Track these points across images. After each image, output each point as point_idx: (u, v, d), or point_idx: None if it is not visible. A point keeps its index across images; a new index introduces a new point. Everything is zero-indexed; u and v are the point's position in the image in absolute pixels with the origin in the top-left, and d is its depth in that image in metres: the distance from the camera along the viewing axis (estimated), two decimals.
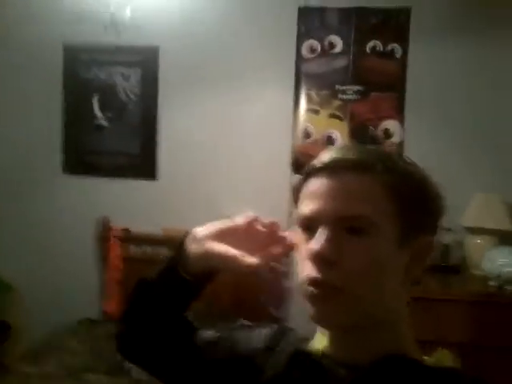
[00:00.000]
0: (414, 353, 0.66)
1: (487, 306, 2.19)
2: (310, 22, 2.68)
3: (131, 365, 2.17)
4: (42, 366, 2.22)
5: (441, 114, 2.64)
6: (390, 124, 2.66)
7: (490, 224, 2.43)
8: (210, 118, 2.81)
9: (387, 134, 2.66)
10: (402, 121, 2.65)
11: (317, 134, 2.70)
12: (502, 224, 2.44)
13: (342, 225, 0.62)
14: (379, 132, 2.66)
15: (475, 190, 2.50)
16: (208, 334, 0.79)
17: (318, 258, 0.61)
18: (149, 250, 2.80)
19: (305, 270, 0.64)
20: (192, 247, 0.71)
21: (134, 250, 2.82)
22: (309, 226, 0.65)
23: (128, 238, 2.79)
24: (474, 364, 2.25)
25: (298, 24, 2.68)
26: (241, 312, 1.85)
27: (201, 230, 0.71)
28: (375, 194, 0.62)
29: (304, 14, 2.67)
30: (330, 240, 0.61)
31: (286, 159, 2.73)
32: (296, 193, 0.69)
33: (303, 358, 0.69)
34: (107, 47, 2.82)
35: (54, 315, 2.62)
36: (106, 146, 2.89)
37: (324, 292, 0.61)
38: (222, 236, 0.69)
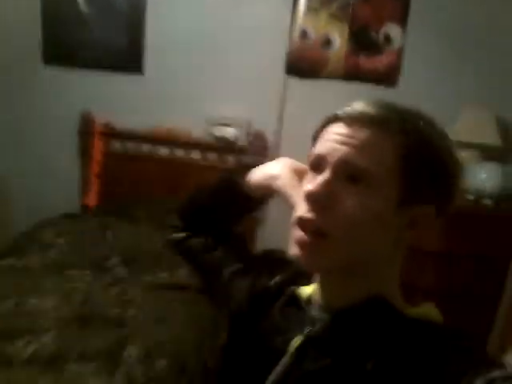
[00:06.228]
0: (398, 303, 0.66)
1: (462, 218, 2.16)
2: None
3: (113, 262, 2.21)
4: (26, 260, 2.18)
5: (445, 20, 2.49)
6: (392, 29, 2.52)
7: (477, 138, 2.39)
8: (202, 10, 2.61)
9: (388, 39, 2.53)
10: (404, 26, 2.51)
11: (315, 34, 2.55)
12: (489, 138, 2.39)
13: (344, 171, 0.62)
14: (380, 37, 2.53)
15: (469, 100, 2.43)
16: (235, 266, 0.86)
17: (310, 199, 0.62)
18: (131, 146, 2.72)
19: (299, 210, 0.64)
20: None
21: (116, 145, 2.73)
22: (317, 167, 0.65)
23: (110, 133, 2.70)
24: (449, 271, 2.34)
25: None
26: None
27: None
28: (384, 150, 0.61)
29: None
30: (326, 183, 0.62)
31: (280, 60, 2.60)
32: (315, 137, 0.69)
33: (292, 303, 0.73)
34: None
35: (37, 206, 2.59)
36: (92, 37, 2.67)
37: (310, 238, 0.62)
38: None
